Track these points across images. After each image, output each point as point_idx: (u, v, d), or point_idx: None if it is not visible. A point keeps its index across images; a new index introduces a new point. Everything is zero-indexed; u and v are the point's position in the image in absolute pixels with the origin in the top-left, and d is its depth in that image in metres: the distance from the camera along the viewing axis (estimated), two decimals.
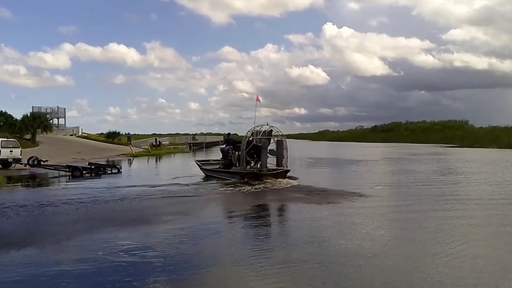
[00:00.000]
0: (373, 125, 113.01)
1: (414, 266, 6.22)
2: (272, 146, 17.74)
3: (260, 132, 17.29)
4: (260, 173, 16.57)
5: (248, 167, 17.22)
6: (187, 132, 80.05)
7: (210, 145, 65.22)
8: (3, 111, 42.79)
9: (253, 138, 17.20)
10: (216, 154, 30.10)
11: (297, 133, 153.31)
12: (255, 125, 17.70)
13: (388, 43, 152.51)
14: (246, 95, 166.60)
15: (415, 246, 7.39)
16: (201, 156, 37.92)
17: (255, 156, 17.23)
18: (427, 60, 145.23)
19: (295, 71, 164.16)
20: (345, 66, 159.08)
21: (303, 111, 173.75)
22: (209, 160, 22.82)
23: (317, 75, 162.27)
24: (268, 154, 17.27)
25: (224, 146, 19.80)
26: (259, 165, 17.32)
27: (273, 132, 17.74)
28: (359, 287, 5.40)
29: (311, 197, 12.95)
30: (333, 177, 21.48)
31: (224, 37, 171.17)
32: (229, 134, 21.18)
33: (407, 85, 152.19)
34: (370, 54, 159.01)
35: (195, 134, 72.55)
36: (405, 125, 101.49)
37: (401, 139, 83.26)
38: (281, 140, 17.67)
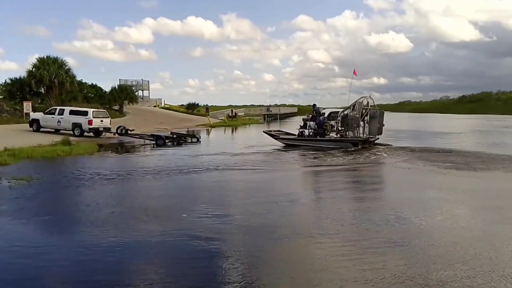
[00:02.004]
0: (460, 95, 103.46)
1: None
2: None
3: (363, 103, 19.10)
4: (369, 140, 18.79)
5: (358, 134, 18.96)
6: (261, 104, 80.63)
7: (284, 117, 65.00)
8: (94, 84, 46.70)
9: (357, 109, 18.85)
10: (289, 126, 29.69)
11: (375, 104, 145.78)
12: (360, 97, 19.75)
13: (480, 6, 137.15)
14: (321, 65, 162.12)
15: None
16: (275, 127, 37.75)
17: (355, 125, 19.01)
18: None
19: (374, 39, 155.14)
20: (430, 32, 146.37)
21: (382, 80, 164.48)
22: (271, 130, 23.26)
23: (399, 42, 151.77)
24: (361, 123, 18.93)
25: (310, 117, 20.51)
26: (359, 134, 19.00)
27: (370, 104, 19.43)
28: None
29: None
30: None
31: (300, 5, 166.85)
32: (314, 105, 21.54)
33: (500, 51, 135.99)
34: (458, 18, 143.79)
35: (270, 106, 72.76)
36: (496, 95, 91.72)
37: (491, 110, 75.30)
38: (382, 111, 19.70)
